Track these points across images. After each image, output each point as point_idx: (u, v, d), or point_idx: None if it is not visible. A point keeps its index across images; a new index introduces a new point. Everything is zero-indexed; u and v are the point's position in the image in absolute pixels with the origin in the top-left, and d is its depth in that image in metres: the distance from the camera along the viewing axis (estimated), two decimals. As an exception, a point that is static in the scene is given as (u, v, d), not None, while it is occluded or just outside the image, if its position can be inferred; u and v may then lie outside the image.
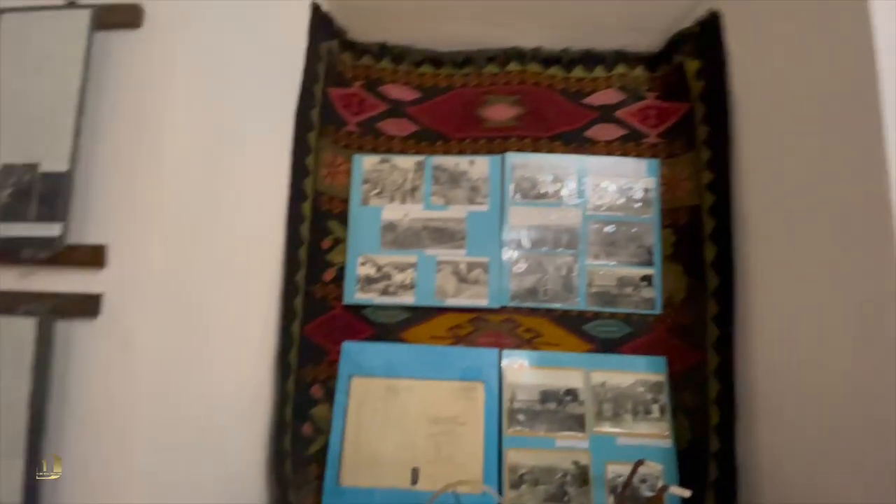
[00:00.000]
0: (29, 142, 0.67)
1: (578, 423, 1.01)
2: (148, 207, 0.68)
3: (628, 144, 1.14)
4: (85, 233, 0.66)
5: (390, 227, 1.13)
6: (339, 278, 1.10)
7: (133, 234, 0.67)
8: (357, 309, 1.09)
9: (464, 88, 1.19)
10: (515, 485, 0.97)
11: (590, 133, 1.15)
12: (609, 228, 1.11)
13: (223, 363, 0.81)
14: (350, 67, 1.19)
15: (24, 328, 0.62)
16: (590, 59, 1.17)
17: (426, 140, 1.17)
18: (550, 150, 1.14)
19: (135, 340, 0.66)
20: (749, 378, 0.88)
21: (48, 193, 0.65)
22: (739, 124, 0.95)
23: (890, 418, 0.62)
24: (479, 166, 1.15)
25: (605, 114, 1.15)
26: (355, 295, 1.10)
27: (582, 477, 0.98)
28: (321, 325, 1.07)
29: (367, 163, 1.16)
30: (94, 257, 0.65)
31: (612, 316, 1.08)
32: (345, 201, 1.13)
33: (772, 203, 0.85)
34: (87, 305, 0.65)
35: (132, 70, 0.70)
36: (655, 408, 1.02)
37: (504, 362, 1.05)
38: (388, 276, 1.11)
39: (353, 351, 1.07)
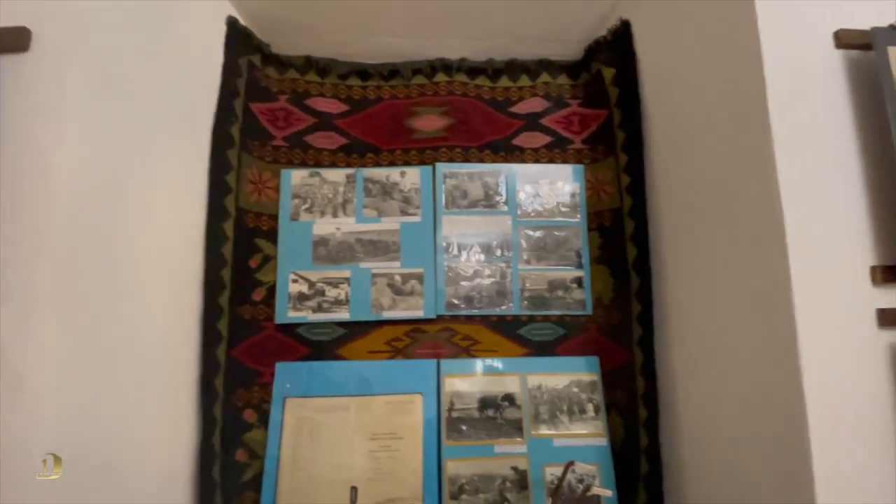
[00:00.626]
0: None
1: (516, 428, 1.02)
2: (36, 235, 0.64)
3: (554, 151, 1.17)
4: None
5: (322, 241, 1.11)
6: (270, 297, 1.07)
7: (18, 268, 0.63)
8: (290, 328, 1.07)
9: (392, 100, 1.19)
10: (455, 496, 0.97)
11: (517, 141, 1.17)
12: (539, 234, 1.13)
13: (135, 394, 0.77)
14: (275, 81, 1.17)
15: None
16: (514, 68, 1.20)
17: (356, 152, 1.16)
18: (480, 160, 1.16)
19: (28, 380, 0.63)
20: (669, 374, 0.92)
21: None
22: (650, 129, 0.99)
23: (790, 400, 0.65)
24: (410, 177, 1.15)
25: (531, 122, 1.18)
26: (287, 313, 1.07)
27: (521, 482, 0.99)
28: (252, 346, 1.04)
29: (296, 177, 1.14)
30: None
31: (546, 319, 1.10)
32: (273, 217, 1.11)
33: (679, 205, 0.89)
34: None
35: (19, 95, 0.66)
36: (590, 407, 1.04)
37: (442, 372, 1.05)
38: (321, 293, 1.09)
39: (287, 372, 1.04)
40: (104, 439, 0.71)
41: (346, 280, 1.10)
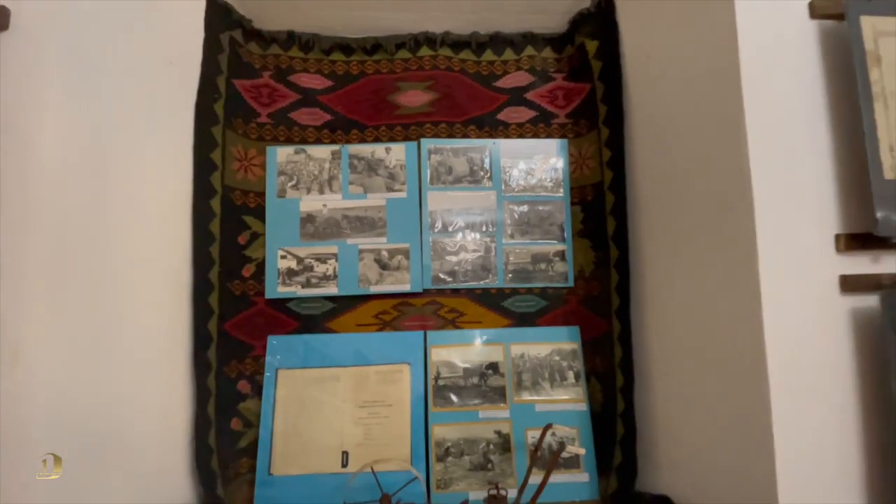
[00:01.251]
0: None
1: (500, 395, 1.07)
2: (23, 213, 0.66)
3: (539, 126, 1.17)
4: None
5: (309, 218, 1.13)
6: (260, 273, 1.09)
7: (6, 249, 0.65)
8: (280, 302, 1.10)
9: (376, 75, 1.18)
10: (441, 458, 1.02)
11: (502, 116, 1.18)
12: (523, 208, 1.15)
13: (129, 365, 0.80)
14: (258, 57, 1.16)
15: None
16: (499, 41, 1.19)
17: (341, 129, 1.17)
18: (465, 135, 1.17)
19: (24, 351, 0.65)
20: (644, 342, 0.95)
21: None
22: (631, 102, 1.00)
23: (754, 363, 0.68)
24: (395, 153, 1.16)
25: (516, 96, 1.18)
26: (277, 289, 1.10)
27: (504, 445, 1.04)
28: (243, 320, 1.07)
29: (281, 154, 1.14)
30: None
31: (529, 291, 1.13)
32: (260, 195, 1.12)
33: (655, 177, 0.91)
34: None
35: (-1, 74, 0.67)
36: (571, 374, 1.08)
37: (429, 343, 1.09)
38: (309, 268, 1.12)
39: (279, 345, 1.08)
40: (98, 403, 0.74)
41: (334, 256, 1.12)
